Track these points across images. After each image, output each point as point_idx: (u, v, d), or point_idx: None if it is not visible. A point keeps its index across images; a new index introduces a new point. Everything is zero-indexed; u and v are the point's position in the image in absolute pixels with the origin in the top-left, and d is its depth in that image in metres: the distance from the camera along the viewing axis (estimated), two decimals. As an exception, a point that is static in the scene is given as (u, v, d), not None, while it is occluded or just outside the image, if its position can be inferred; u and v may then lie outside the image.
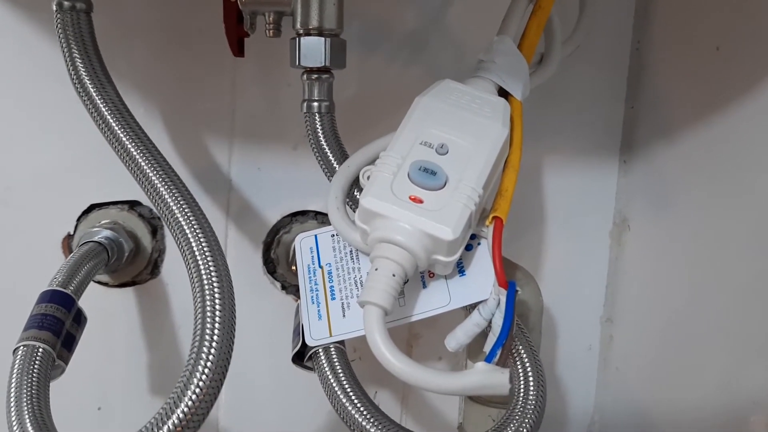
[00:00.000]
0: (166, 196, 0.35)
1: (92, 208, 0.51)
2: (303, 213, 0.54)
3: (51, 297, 0.38)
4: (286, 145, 0.53)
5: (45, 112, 0.50)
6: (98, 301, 0.50)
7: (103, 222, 0.49)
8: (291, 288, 0.54)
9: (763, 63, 0.42)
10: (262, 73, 0.52)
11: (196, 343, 0.31)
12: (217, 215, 0.52)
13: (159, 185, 0.35)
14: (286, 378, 0.54)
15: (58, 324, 0.37)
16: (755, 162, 0.43)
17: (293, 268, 0.52)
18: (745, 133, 0.44)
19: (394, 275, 0.34)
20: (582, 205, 0.58)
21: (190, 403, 0.30)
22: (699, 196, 0.49)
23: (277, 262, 0.54)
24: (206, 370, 0.31)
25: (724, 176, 0.46)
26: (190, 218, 0.34)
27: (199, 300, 0.32)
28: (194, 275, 0.33)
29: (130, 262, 0.50)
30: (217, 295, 0.32)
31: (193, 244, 0.34)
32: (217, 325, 0.31)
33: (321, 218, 0.54)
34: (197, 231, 0.34)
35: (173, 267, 0.52)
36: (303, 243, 0.42)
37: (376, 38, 0.53)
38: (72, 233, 0.51)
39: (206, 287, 0.32)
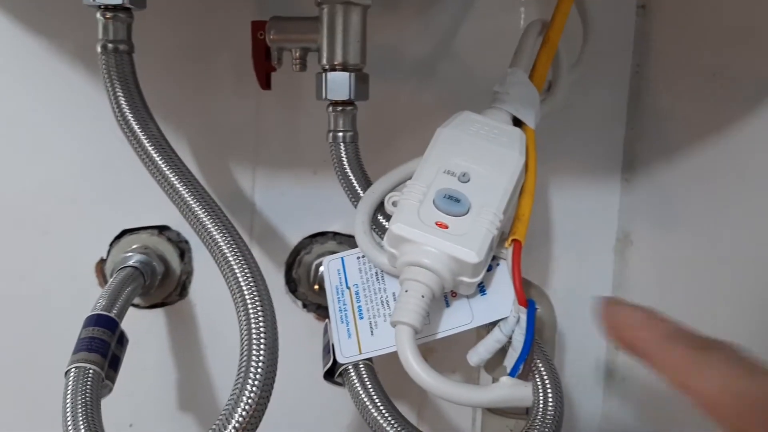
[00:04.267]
0: (209, 226, 0.38)
1: (124, 233, 0.53)
2: (322, 234, 0.56)
3: (97, 321, 0.40)
4: (306, 170, 0.55)
5: (80, 145, 0.53)
6: (130, 322, 0.51)
7: (134, 246, 0.52)
8: (311, 306, 0.57)
9: (760, 86, 0.44)
10: (283, 103, 0.54)
11: (243, 365, 0.34)
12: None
13: (201, 214, 0.38)
14: (308, 391, 0.56)
15: (105, 346, 0.39)
16: (753, 180, 0.45)
17: (315, 287, 0.55)
18: (743, 153, 0.46)
19: (423, 296, 0.37)
20: (586, 222, 0.60)
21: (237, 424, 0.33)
22: (698, 212, 0.51)
23: (299, 282, 0.56)
24: (253, 389, 0.33)
25: (722, 193, 0.48)
26: (233, 247, 0.37)
27: (245, 328, 0.34)
28: (240, 306, 0.36)
29: (160, 285, 0.52)
30: (261, 321, 0.35)
31: (237, 272, 0.36)
32: (262, 348, 0.34)
33: (339, 239, 0.56)
34: (240, 259, 0.37)
35: (201, 288, 0.54)
36: (331, 265, 0.45)
37: (387, 66, 0.55)
38: (105, 258, 0.53)
39: (251, 317, 0.35)
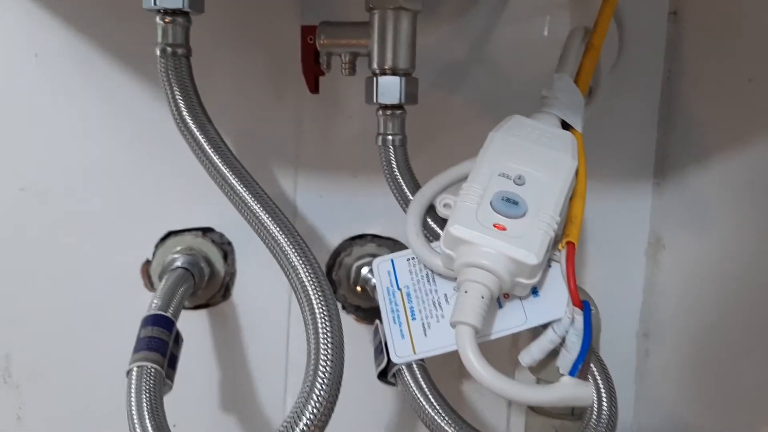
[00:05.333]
0: (269, 225, 0.38)
1: (169, 235, 0.54)
2: (361, 237, 0.57)
3: (154, 321, 0.41)
4: (346, 174, 0.56)
5: (125, 147, 0.53)
6: (175, 323, 0.53)
7: (179, 248, 0.52)
8: (351, 308, 0.57)
9: None
10: (323, 107, 0.55)
11: (312, 365, 0.34)
12: (283, 240, 0.55)
13: (260, 213, 0.39)
14: (349, 392, 0.56)
15: (164, 345, 0.40)
16: None
17: (357, 288, 0.55)
18: None
19: (482, 297, 0.37)
20: (618, 226, 0.61)
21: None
22: (729, 217, 0.52)
23: (339, 284, 0.57)
24: (323, 387, 0.34)
25: (755, 196, 0.49)
26: (296, 248, 0.38)
27: (311, 330, 0.35)
28: (307, 310, 0.36)
29: (205, 286, 0.52)
30: (328, 329, 0.35)
31: (300, 273, 0.37)
32: (330, 346, 0.34)
33: (378, 241, 0.57)
34: (304, 263, 0.37)
35: (243, 290, 0.55)
36: (381, 267, 0.45)
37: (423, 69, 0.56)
38: (150, 259, 0.54)
39: (319, 323, 0.35)
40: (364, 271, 0.55)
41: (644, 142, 0.60)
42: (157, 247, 0.53)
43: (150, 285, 0.54)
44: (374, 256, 0.55)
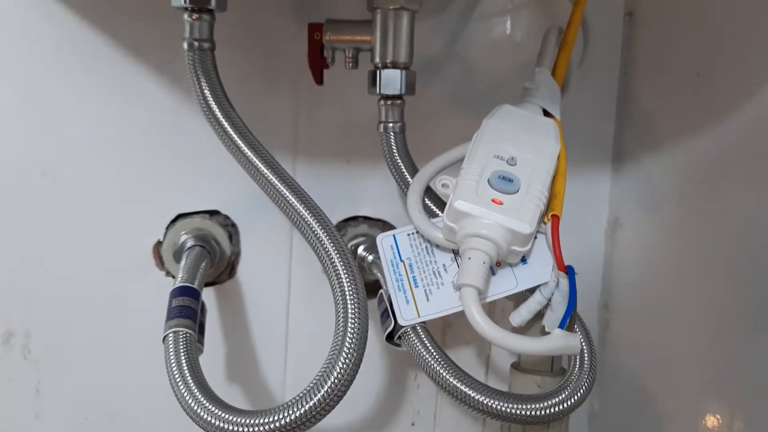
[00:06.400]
0: (299, 207, 0.43)
1: (178, 217, 0.57)
2: (354, 218, 0.61)
3: (182, 291, 0.45)
4: (340, 160, 0.60)
5: (138, 134, 0.57)
6: (184, 299, 0.56)
7: (188, 229, 0.56)
8: (345, 285, 0.62)
9: (739, 86, 0.50)
10: (319, 98, 0.59)
11: (340, 334, 0.39)
12: (283, 222, 0.59)
13: (289, 196, 0.43)
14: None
15: (194, 313, 0.44)
16: (729, 169, 0.51)
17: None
18: (722, 146, 0.52)
19: (484, 263, 0.43)
20: (581, 207, 0.66)
21: (336, 380, 0.38)
22: (680, 198, 0.57)
23: (334, 262, 0.61)
24: (349, 354, 0.39)
25: (702, 181, 0.54)
26: (327, 230, 0.42)
27: (341, 309, 0.40)
28: (335, 282, 0.41)
29: (212, 265, 0.56)
30: (356, 303, 0.40)
31: (330, 249, 0.41)
32: (357, 313, 0.39)
33: (370, 222, 0.61)
34: (333, 239, 0.42)
35: (248, 268, 0.59)
36: (384, 242, 0.50)
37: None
38: (161, 240, 0.57)
39: (348, 298, 0.40)
40: (360, 250, 0.59)
41: (604, 132, 0.65)
42: (167, 228, 0.57)
43: (161, 264, 0.57)
44: (366, 236, 0.60)
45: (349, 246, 0.60)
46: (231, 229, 0.58)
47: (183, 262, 0.48)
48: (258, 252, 0.59)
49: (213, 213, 0.58)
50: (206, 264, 0.50)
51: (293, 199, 0.43)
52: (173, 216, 0.57)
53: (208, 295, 0.58)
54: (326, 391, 0.38)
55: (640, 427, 0.62)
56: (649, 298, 0.62)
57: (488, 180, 0.44)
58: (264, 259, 0.58)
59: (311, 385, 0.39)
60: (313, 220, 0.43)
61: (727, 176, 0.51)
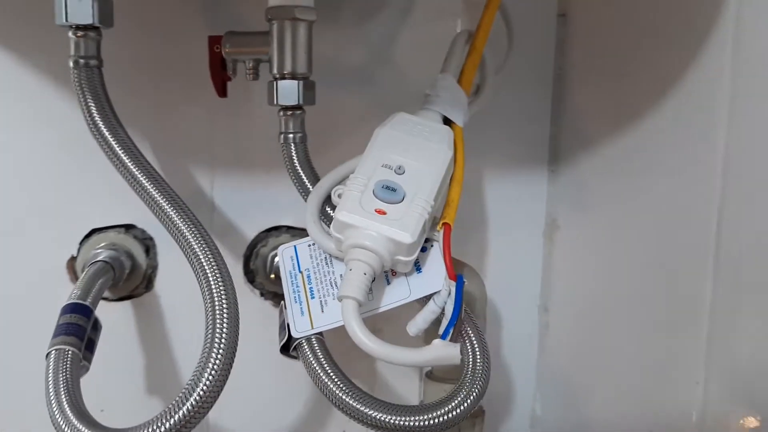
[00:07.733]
0: (177, 221, 0.43)
1: (92, 232, 0.57)
2: (276, 228, 0.61)
3: (72, 309, 0.45)
4: (260, 170, 0.60)
5: (50, 152, 0.57)
6: (100, 314, 0.55)
7: (102, 244, 0.56)
8: (268, 294, 0.61)
9: (655, 84, 0.50)
10: (236, 109, 0.58)
11: (207, 346, 0.39)
12: (202, 233, 0.59)
13: (169, 210, 0.43)
14: (265, 370, 0.61)
15: (81, 330, 0.44)
16: (655, 167, 0.51)
17: (272, 276, 0.60)
18: (647, 144, 0.52)
19: (365, 274, 0.42)
20: (518, 210, 0.66)
21: (201, 392, 0.38)
22: (611, 196, 0.58)
23: (256, 272, 0.61)
24: (215, 367, 0.38)
25: (631, 180, 0.54)
26: (199, 239, 0.42)
27: (210, 313, 0.39)
28: (206, 291, 0.41)
29: (127, 278, 0.56)
30: (225, 307, 0.40)
31: (202, 259, 0.41)
32: (225, 329, 0.39)
33: (292, 232, 0.61)
34: (205, 248, 0.42)
35: (165, 282, 0.59)
36: (285, 253, 0.50)
37: (328, 73, 0.61)
38: (75, 255, 0.57)
39: (216, 302, 0.40)
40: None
41: (539, 133, 0.65)
42: (81, 243, 0.57)
43: (75, 279, 0.57)
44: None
45: (269, 257, 0.60)
46: (149, 242, 0.58)
47: (80, 279, 0.48)
48: (175, 265, 0.58)
49: (129, 227, 0.58)
50: (105, 280, 0.50)
51: (172, 213, 0.43)
52: (87, 231, 0.57)
53: (124, 309, 0.59)
54: (193, 402, 0.38)
55: (583, 428, 0.62)
56: (586, 299, 0.62)
57: (373, 190, 0.44)
58: (182, 272, 0.58)
59: (179, 397, 0.39)
60: (190, 235, 0.42)
61: (653, 173, 0.51)
